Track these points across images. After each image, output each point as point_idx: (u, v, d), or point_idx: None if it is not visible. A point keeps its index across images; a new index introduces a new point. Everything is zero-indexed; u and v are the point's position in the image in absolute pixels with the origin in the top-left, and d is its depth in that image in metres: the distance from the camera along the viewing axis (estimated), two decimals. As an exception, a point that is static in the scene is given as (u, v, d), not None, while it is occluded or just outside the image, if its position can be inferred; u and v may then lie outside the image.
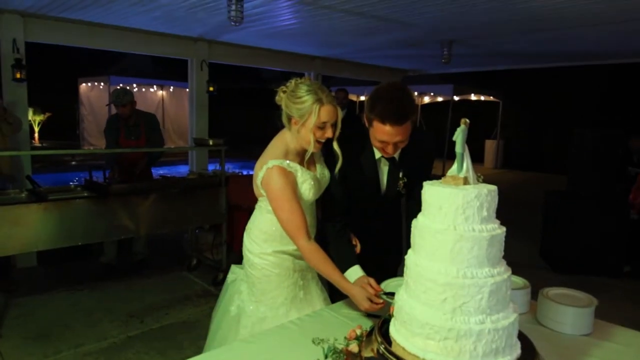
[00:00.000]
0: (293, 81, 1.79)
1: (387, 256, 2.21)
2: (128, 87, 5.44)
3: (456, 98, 12.30)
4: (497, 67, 9.18)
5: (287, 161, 1.79)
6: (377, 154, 1.97)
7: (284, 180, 1.74)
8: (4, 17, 4.62)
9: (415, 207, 1.67)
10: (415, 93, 13.53)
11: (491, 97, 13.50)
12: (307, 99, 1.72)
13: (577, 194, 5.00)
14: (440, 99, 13.39)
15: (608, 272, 4.75)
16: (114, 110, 4.58)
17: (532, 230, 5.92)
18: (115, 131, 4.45)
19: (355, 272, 1.85)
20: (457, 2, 4.01)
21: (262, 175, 1.79)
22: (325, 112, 1.74)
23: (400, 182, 2.01)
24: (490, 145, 14.19)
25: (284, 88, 1.80)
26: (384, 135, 1.77)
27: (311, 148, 1.78)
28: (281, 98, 1.79)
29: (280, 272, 1.90)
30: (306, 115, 1.73)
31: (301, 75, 1.86)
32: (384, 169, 2.02)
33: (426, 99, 13.86)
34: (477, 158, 13.72)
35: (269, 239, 1.90)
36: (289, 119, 1.79)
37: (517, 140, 14.77)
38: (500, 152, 14.24)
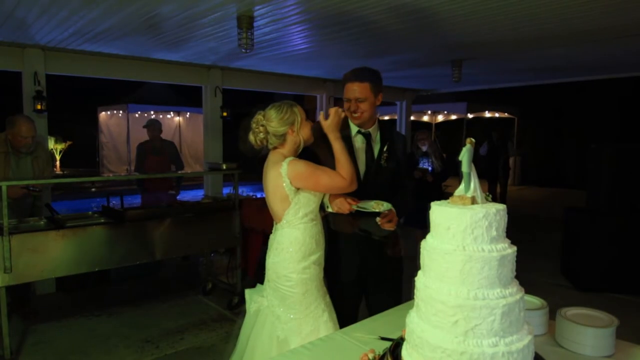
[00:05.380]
0: (272, 110, 2.12)
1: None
2: (146, 115, 5.59)
3: (470, 116, 12.23)
4: (510, 83, 9.12)
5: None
6: (354, 129, 2.28)
7: (303, 161, 2.06)
8: (26, 52, 4.81)
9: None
10: (429, 111, 13.55)
11: (506, 114, 13.40)
12: (293, 110, 2.12)
13: (598, 209, 4.88)
14: (454, 117, 13.34)
15: (636, 289, 4.59)
16: (134, 138, 4.72)
17: (553, 247, 5.78)
18: None
19: None
20: (467, 23, 4.03)
21: (287, 172, 2.02)
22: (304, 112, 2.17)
23: (384, 155, 2.27)
24: (506, 162, 14.04)
25: (263, 122, 2.12)
26: (347, 93, 2.23)
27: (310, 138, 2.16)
28: (271, 127, 2.10)
29: (316, 283, 2.12)
30: (296, 120, 2.11)
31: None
32: (361, 147, 2.27)
33: (440, 117, 13.84)
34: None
35: (307, 250, 2.08)
36: (283, 135, 2.10)
37: (534, 156, 14.57)
38: (517, 168, 14.05)
